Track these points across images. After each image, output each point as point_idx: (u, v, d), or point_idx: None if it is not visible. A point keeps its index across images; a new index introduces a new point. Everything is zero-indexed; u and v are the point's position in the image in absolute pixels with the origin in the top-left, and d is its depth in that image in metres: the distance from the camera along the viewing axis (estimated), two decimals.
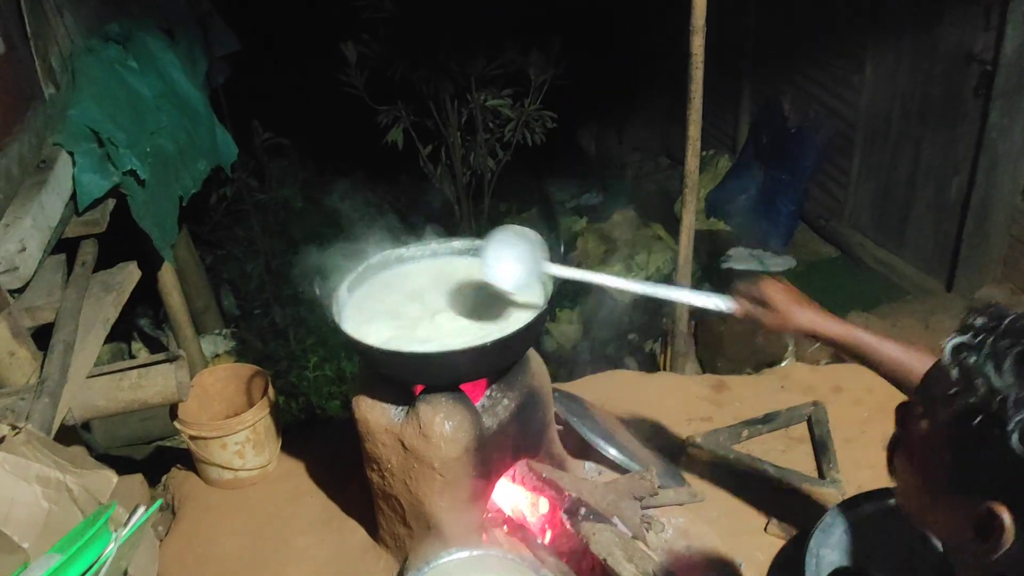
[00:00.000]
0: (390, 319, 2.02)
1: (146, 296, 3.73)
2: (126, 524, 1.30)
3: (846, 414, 2.64)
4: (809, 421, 2.63)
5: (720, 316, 3.69)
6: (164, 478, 2.67)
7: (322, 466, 2.60)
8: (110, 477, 1.53)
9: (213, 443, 2.46)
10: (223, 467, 2.50)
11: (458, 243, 2.24)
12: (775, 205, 5.69)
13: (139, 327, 4.36)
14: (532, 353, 2.19)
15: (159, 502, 1.35)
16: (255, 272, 4.95)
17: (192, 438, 2.46)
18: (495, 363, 1.98)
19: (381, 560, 2.26)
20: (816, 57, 5.36)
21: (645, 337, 4.60)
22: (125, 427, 3.68)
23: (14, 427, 1.55)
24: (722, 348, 3.48)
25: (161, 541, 2.43)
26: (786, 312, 1.70)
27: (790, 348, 3.28)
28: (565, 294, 5.16)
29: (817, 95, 5.44)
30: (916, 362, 1.55)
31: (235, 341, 4.56)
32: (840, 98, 5.23)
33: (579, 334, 5.24)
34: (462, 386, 2.03)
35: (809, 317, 1.70)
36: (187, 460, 2.64)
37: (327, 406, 4.31)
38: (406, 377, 1.99)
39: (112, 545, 1.26)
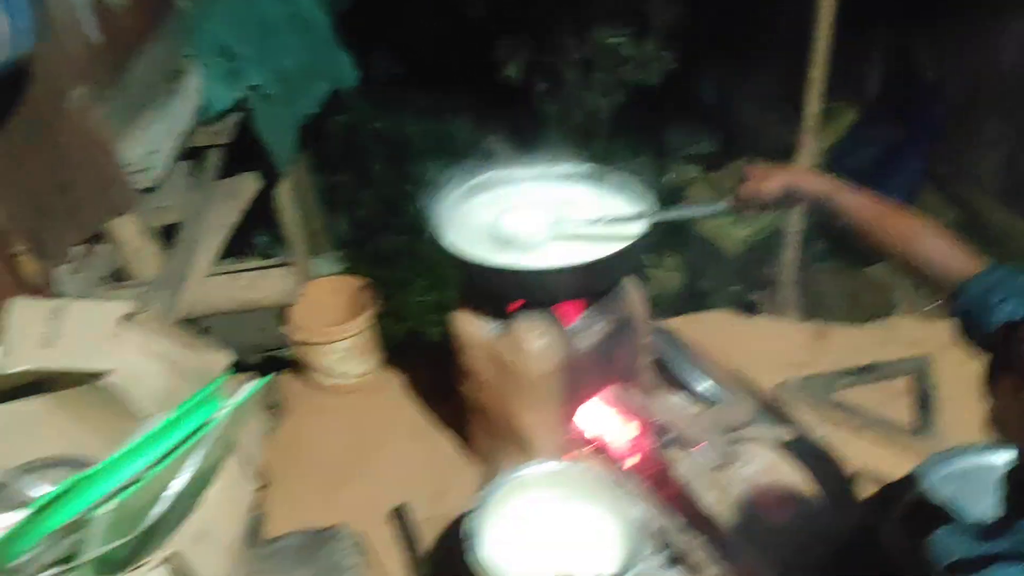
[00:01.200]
0: (492, 236, 2.06)
1: (262, 220, 3.90)
2: (236, 396, 1.40)
3: (954, 370, 2.54)
4: (913, 375, 2.55)
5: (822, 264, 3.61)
6: (273, 378, 2.83)
7: (419, 381, 2.70)
8: (224, 359, 1.64)
9: (319, 349, 2.59)
10: (328, 373, 2.63)
11: (566, 167, 2.25)
12: (900, 163, 5.43)
13: (255, 245, 4.56)
14: (631, 282, 2.20)
15: (269, 377, 1.44)
16: (368, 199, 5.08)
17: (300, 343, 2.59)
18: (591, 284, 2.00)
19: (471, 469, 2.36)
20: (955, 8, 5.04)
21: (749, 288, 4.51)
22: (240, 335, 3.87)
23: (140, 305, 1.68)
24: (828, 301, 3.39)
25: (267, 438, 2.59)
26: (766, 174, 1.62)
27: (900, 298, 3.17)
28: (669, 241, 5.10)
29: (954, 49, 5.12)
30: (954, 260, 1.37)
31: (345, 265, 4.72)
32: (979, 53, 4.91)
33: (681, 281, 5.18)
34: (558, 307, 2.06)
35: (826, 182, 1.55)
36: (296, 368, 2.78)
37: (429, 332, 4.42)
38: (504, 292, 2.04)
39: (222, 411, 1.36)
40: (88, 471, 1.19)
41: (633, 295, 2.17)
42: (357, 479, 2.40)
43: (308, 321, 2.65)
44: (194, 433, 1.34)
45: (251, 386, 1.42)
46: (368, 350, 2.67)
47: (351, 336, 2.57)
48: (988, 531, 1.12)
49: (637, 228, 2.01)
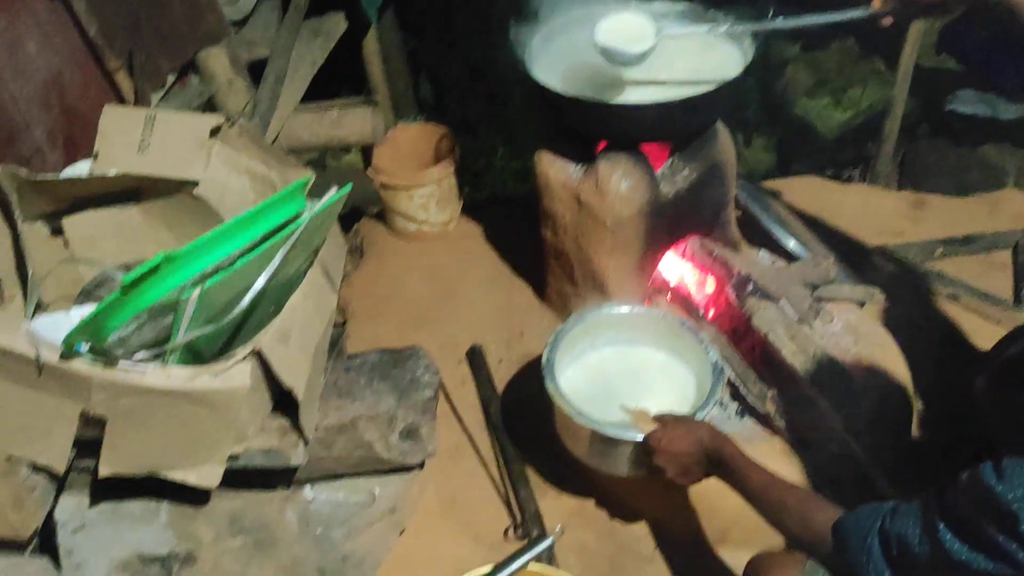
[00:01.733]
0: (578, 71, 2.00)
1: (347, 79, 3.88)
2: (321, 199, 1.41)
3: None
4: (1015, 248, 2.42)
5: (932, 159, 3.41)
6: (355, 225, 2.87)
7: (497, 232, 2.70)
8: (310, 175, 1.65)
9: (401, 194, 2.59)
10: (408, 218, 2.64)
11: (658, 6, 2.14)
12: (1017, 53, 5.03)
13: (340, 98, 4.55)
14: (721, 129, 2.12)
15: (349, 185, 1.44)
16: (453, 64, 4.99)
17: (383, 186, 2.61)
18: (680, 125, 1.93)
19: (545, 316, 2.37)
20: None
21: (843, 167, 4.33)
22: (325, 191, 3.91)
23: (229, 119, 1.69)
24: (930, 175, 3.22)
25: (348, 277, 2.65)
26: None
27: (1011, 177, 2.98)
28: (761, 120, 4.90)
29: None
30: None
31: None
32: None
33: (773, 162, 5.01)
34: (645, 150, 2.00)
35: None
36: (379, 218, 2.81)
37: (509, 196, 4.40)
38: (589, 130, 1.99)
39: (307, 213, 1.38)
40: (176, 251, 1.22)
41: (724, 142, 2.09)
42: (433, 322, 2.44)
43: (392, 165, 2.65)
44: (278, 230, 1.36)
45: (334, 192, 1.43)
46: (449, 199, 2.67)
47: (433, 182, 2.56)
48: None
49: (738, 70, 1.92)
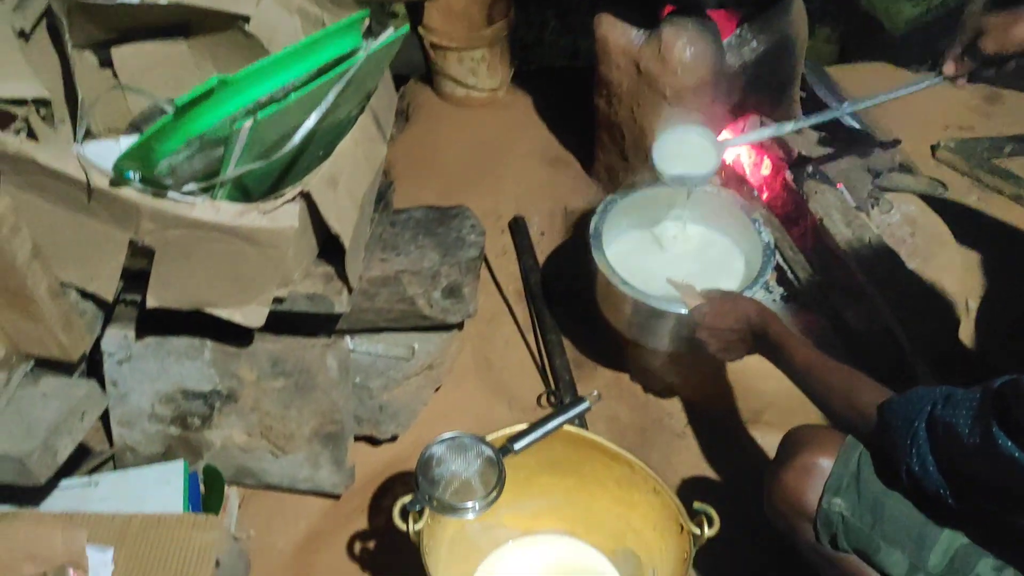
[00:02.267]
0: None
1: None
2: (378, 38, 1.36)
3: None
4: None
5: None
6: (401, 88, 2.80)
7: (547, 103, 2.62)
8: (366, 11, 1.59)
9: (451, 55, 2.51)
10: (457, 82, 2.57)
11: None
12: None
13: None
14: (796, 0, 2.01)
15: (406, 27, 1.38)
16: None
17: (432, 46, 2.52)
18: None
19: (591, 190, 2.32)
20: None
21: (910, 64, 4.13)
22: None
23: None
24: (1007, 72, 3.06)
25: (393, 140, 2.60)
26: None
27: None
28: (828, 10, 4.67)
29: None
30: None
31: None
32: None
33: (835, 55, 4.80)
34: (713, 16, 1.90)
35: None
36: (426, 81, 2.73)
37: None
38: None
39: (363, 51, 1.33)
40: (230, 75, 1.18)
41: (798, 14, 1.98)
42: (476, 190, 2.39)
43: (443, 24, 2.56)
44: (332, 66, 1.31)
45: (390, 32, 1.37)
46: (500, 64, 2.58)
47: (485, 45, 2.47)
48: None
49: None
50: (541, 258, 2.23)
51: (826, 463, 1.26)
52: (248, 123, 1.20)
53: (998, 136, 2.36)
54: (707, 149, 1.75)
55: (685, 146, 1.76)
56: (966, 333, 1.97)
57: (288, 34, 1.65)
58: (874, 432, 1.24)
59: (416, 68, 2.72)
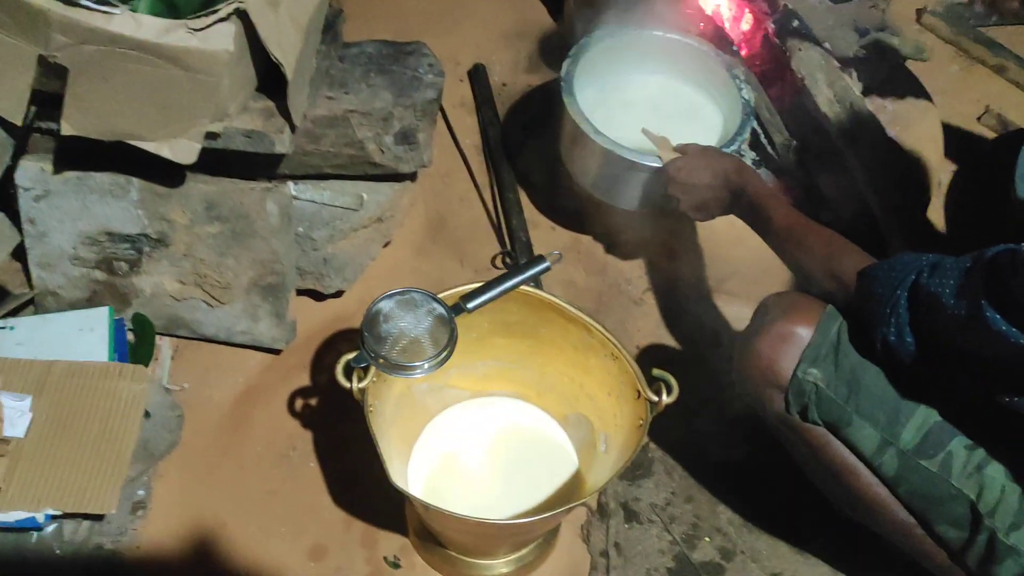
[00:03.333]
0: None
1: None
2: None
3: None
4: None
5: None
6: None
7: None
8: None
9: None
10: None
11: None
12: None
13: None
14: None
15: None
16: None
17: None
18: None
19: (559, 42, 2.16)
20: None
21: None
22: None
23: None
24: None
25: None
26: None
27: None
28: None
29: None
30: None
31: None
32: None
33: None
34: None
35: None
36: None
37: None
38: None
39: None
40: None
41: None
42: (433, 32, 2.18)
43: None
44: None
45: None
46: None
47: None
48: None
49: None
50: (501, 111, 2.09)
51: (804, 332, 1.20)
52: None
53: (984, 4, 2.24)
54: None
55: None
56: (935, 209, 1.92)
57: None
58: (852, 298, 1.17)
59: None
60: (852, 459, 1.20)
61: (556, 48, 2.15)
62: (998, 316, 0.94)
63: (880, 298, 1.11)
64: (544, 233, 1.93)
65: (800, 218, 1.31)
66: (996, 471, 1.11)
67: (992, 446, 1.12)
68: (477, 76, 2.13)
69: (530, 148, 2.00)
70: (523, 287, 1.40)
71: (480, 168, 2.01)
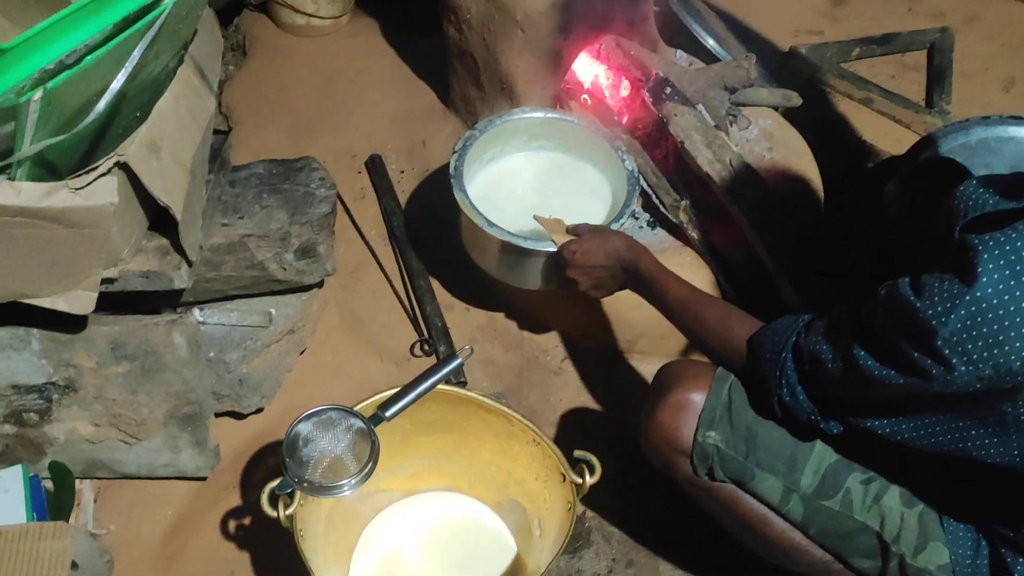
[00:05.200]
0: None
1: None
2: None
3: (974, 47, 2.37)
4: (930, 49, 2.37)
5: None
6: (236, 19, 2.58)
7: (396, 27, 2.47)
8: None
9: None
10: (296, 10, 2.38)
11: None
12: None
13: None
14: None
15: None
16: None
17: None
18: None
19: (449, 123, 2.21)
20: None
21: None
22: None
23: None
24: None
25: (230, 80, 2.40)
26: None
27: None
28: None
29: None
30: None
31: None
32: None
33: None
34: None
35: None
36: (263, 10, 2.52)
37: None
38: None
39: None
40: (6, 43, 1.00)
41: None
42: (327, 128, 2.25)
43: None
44: (136, 19, 1.14)
45: None
46: None
47: None
48: (1019, 183, 1.01)
49: None
50: (403, 198, 2.12)
51: (698, 397, 1.26)
52: (37, 94, 1.04)
53: (846, 39, 2.38)
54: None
55: None
56: (824, 244, 2.01)
57: None
58: (746, 366, 1.24)
59: None
60: (762, 510, 1.26)
61: (447, 130, 2.20)
62: (870, 360, 1.02)
63: (768, 363, 1.18)
64: (459, 315, 1.96)
65: (692, 291, 1.37)
66: (892, 499, 1.20)
67: (888, 470, 1.19)
68: (374, 167, 2.16)
69: (435, 233, 2.03)
70: (440, 385, 1.43)
71: (388, 258, 2.04)
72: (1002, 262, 0.90)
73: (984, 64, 2.34)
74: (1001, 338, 0.90)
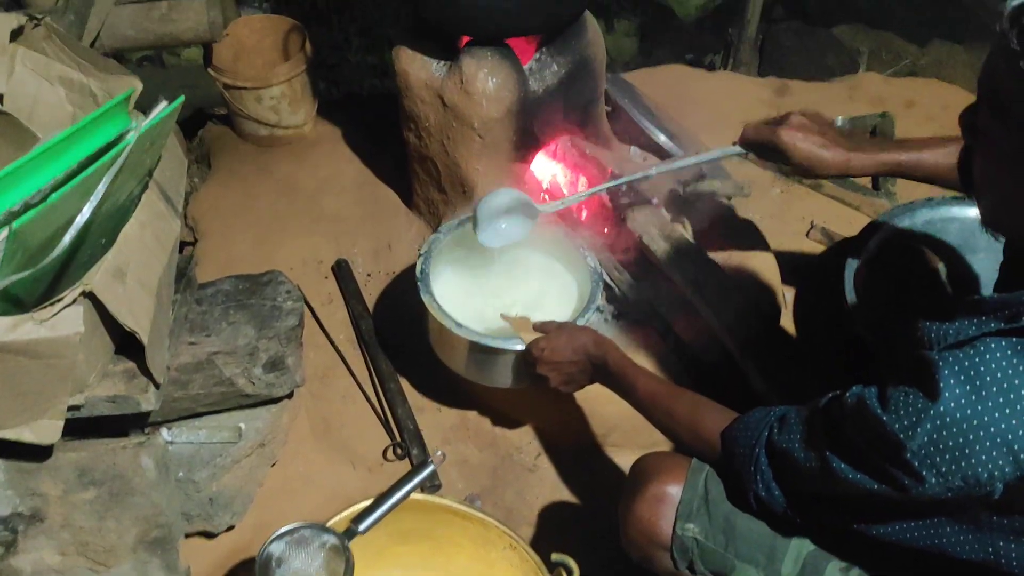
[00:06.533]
0: None
1: None
2: (148, 115, 1.23)
3: (914, 130, 2.47)
4: (873, 132, 2.47)
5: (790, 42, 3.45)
6: (200, 132, 2.62)
7: (358, 134, 2.52)
8: (135, 83, 1.45)
9: (248, 95, 2.37)
10: (258, 122, 2.43)
11: None
12: None
13: None
14: (590, 20, 2.01)
15: (181, 98, 1.26)
16: None
17: (227, 88, 2.37)
18: (548, 11, 1.79)
19: (413, 226, 2.25)
20: None
21: (705, 52, 4.32)
22: (164, 92, 3.58)
23: (32, 18, 1.45)
24: (790, 59, 3.24)
25: (195, 191, 2.43)
26: (810, 161, 1.45)
27: (864, 60, 3.04)
28: (624, 5, 4.82)
29: None
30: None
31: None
32: None
33: (635, 48, 4.96)
34: (511, 44, 1.88)
35: (839, 159, 1.43)
36: (226, 122, 2.57)
37: (368, 93, 4.17)
38: (451, 24, 1.84)
39: (133, 132, 1.20)
40: None
41: (593, 34, 1.99)
42: (293, 235, 2.27)
43: (235, 63, 2.41)
44: (101, 154, 1.17)
45: (163, 106, 1.25)
46: (302, 99, 2.45)
47: (284, 81, 2.34)
48: (977, 307, 1.03)
49: None
50: (370, 301, 2.14)
51: (675, 490, 1.27)
52: (2, 234, 1.05)
53: None
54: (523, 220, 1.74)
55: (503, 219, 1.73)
56: (787, 324, 2.05)
57: (51, 105, 1.49)
58: (720, 459, 1.26)
59: (216, 101, 2.55)
60: None
61: (411, 232, 2.24)
62: (843, 465, 1.04)
63: (742, 457, 1.20)
64: (431, 416, 1.96)
65: (661, 384, 1.40)
66: None
67: (865, 562, 1.20)
68: (341, 271, 2.18)
69: (404, 334, 2.04)
70: (413, 494, 1.43)
71: (358, 361, 2.04)
72: (962, 377, 0.93)
73: None
74: (967, 451, 0.92)
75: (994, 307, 0.98)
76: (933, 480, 0.95)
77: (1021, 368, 0.91)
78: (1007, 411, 0.90)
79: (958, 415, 0.92)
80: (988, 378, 0.91)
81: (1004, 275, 1.15)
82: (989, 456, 0.91)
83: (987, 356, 0.92)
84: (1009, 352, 0.92)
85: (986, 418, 0.91)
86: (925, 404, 0.94)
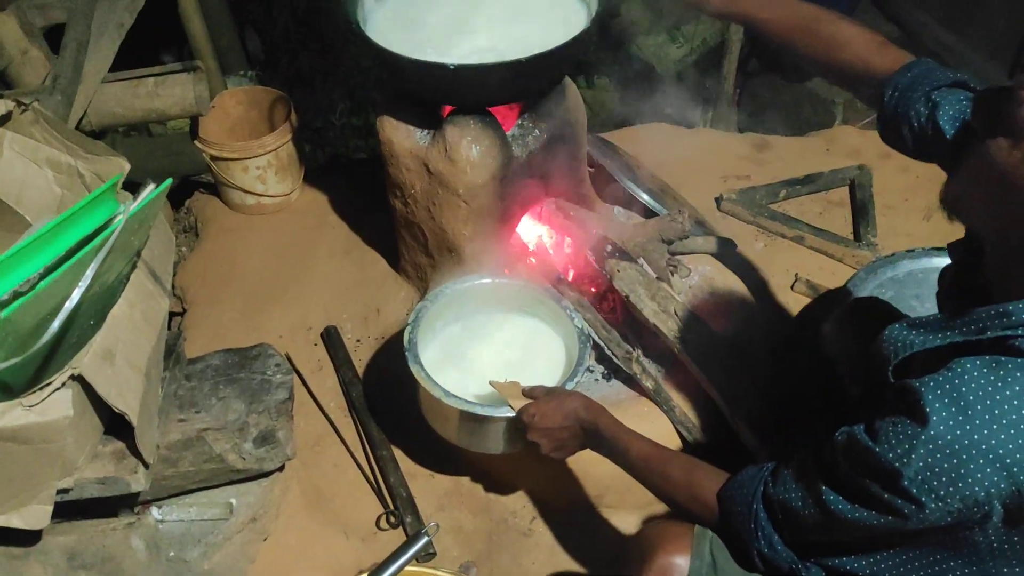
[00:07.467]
0: (418, 30, 1.87)
1: (169, 34, 3.56)
2: (136, 198, 1.24)
3: (891, 181, 2.52)
4: (851, 185, 2.51)
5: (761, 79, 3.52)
6: (187, 202, 2.65)
7: (344, 200, 2.55)
8: (123, 164, 1.47)
9: (235, 165, 2.39)
10: (245, 191, 2.45)
11: None
12: None
13: (162, 62, 4.19)
14: (570, 85, 2.05)
15: (169, 181, 1.28)
16: (281, 17, 4.69)
17: (214, 159, 2.40)
18: (529, 82, 1.84)
19: (402, 289, 2.26)
20: None
21: (685, 105, 4.39)
22: (152, 161, 3.62)
23: (20, 103, 1.47)
24: (767, 113, 3.30)
25: (183, 261, 2.44)
26: None
27: (840, 111, 3.11)
28: (602, 60, 4.91)
29: None
30: (878, 56, 1.33)
31: (259, 85, 4.40)
32: None
33: (615, 103, 5.04)
34: (493, 112, 1.91)
35: None
36: (213, 191, 2.60)
37: (353, 156, 4.22)
38: (433, 95, 1.87)
39: (121, 216, 1.21)
40: None
41: (573, 98, 2.03)
42: (282, 303, 2.28)
43: (221, 135, 2.44)
44: (89, 239, 1.18)
45: (151, 189, 1.26)
46: (289, 168, 2.48)
47: (269, 151, 2.37)
48: (941, 323, 1.08)
49: (584, 21, 1.85)
50: (360, 367, 2.14)
51: (682, 561, 1.26)
52: None
53: (772, 182, 2.51)
54: None
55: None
56: (774, 380, 2.06)
57: (39, 188, 1.50)
58: (718, 520, 1.26)
59: (203, 168, 2.57)
60: None
61: (399, 296, 2.25)
62: (842, 503, 1.06)
63: (740, 516, 1.20)
64: (424, 482, 1.95)
65: (653, 447, 1.40)
66: None
67: None
68: (330, 338, 2.19)
69: (395, 400, 2.04)
70: (409, 565, 1.41)
71: (349, 429, 2.04)
72: (947, 400, 0.96)
73: (903, 196, 2.49)
74: (963, 471, 0.94)
75: (962, 322, 1.02)
76: (933, 505, 0.97)
77: (1000, 384, 0.94)
78: (994, 427, 0.93)
79: (948, 437, 0.95)
80: (971, 397, 0.95)
81: (957, 271, 1.21)
82: (984, 474, 0.94)
83: (966, 377, 0.96)
84: (986, 370, 0.95)
85: (976, 436, 0.93)
86: (915, 430, 0.96)
